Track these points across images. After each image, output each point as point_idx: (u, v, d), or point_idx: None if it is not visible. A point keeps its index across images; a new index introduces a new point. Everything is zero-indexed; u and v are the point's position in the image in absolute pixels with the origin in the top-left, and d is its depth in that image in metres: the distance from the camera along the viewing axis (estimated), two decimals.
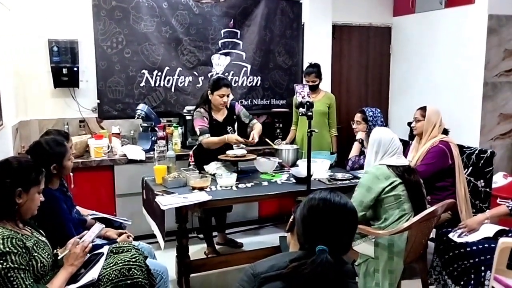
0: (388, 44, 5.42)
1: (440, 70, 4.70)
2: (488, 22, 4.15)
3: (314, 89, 4.20)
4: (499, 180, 4.01)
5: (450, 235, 2.83)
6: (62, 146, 2.45)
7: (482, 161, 3.44)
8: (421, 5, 4.91)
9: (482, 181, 3.44)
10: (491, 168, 3.47)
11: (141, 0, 4.22)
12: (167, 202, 2.79)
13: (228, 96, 3.51)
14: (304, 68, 4.45)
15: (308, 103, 2.58)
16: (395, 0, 5.32)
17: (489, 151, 3.49)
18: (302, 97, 2.63)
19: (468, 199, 3.22)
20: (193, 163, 3.61)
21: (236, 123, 3.72)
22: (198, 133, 3.47)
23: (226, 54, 4.64)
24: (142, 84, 4.34)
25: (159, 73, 4.38)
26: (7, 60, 3.59)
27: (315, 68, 4.23)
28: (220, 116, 3.61)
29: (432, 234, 2.94)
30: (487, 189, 3.51)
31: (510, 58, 4.31)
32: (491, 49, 4.21)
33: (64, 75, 4.00)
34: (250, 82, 4.77)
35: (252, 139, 3.43)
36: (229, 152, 3.43)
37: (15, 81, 3.83)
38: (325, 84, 4.76)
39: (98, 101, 4.21)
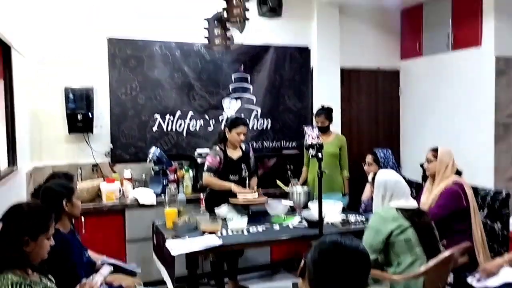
0: (397, 86, 5.48)
1: (450, 111, 4.71)
2: (495, 64, 4.19)
3: (324, 131, 4.23)
4: None
5: (469, 280, 2.73)
6: (69, 183, 2.51)
7: (497, 203, 3.37)
8: (428, 48, 4.99)
9: (499, 223, 3.35)
10: (507, 211, 3.39)
11: (155, 49, 4.37)
12: (177, 247, 2.76)
13: (244, 134, 3.63)
14: (315, 110, 4.50)
15: (318, 145, 2.59)
16: (402, 44, 5.42)
17: (504, 193, 3.42)
18: (312, 139, 2.64)
19: (485, 242, 3.13)
20: (204, 206, 3.61)
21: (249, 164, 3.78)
22: (205, 168, 3.59)
23: (236, 98, 4.72)
24: (155, 128, 4.41)
25: (171, 118, 4.47)
26: (24, 106, 3.69)
27: (325, 110, 4.29)
28: (235, 155, 3.68)
29: (450, 279, 2.84)
30: (505, 232, 3.41)
31: None
32: (500, 90, 4.23)
33: (79, 121, 4.08)
34: (260, 125, 4.82)
35: (254, 190, 3.51)
36: (240, 196, 3.42)
37: (31, 127, 3.93)
38: (335, 126, 4.79)
39: (111, 145, 4.28)
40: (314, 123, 4.41)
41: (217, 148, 3.67)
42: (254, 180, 3.79)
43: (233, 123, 3.66)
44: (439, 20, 4.78)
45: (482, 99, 4.31)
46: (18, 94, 3.38)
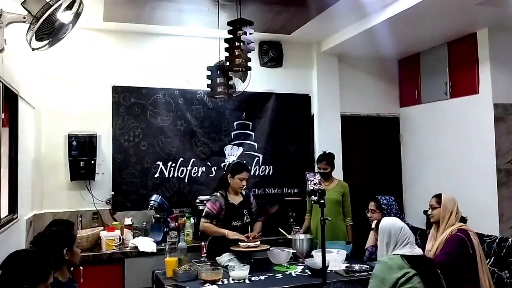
0: (397, 132, 5.53)
1: (451, 157, 4.72)
2: (494, 110, 4.24)
3: (326, 177, 4.23)
4: None
5: None
6: (70, 231, 2.48)
7: (504, 250, 3.30)
8: (426, 96, 5.08)
9: (506, 272, 3.27)
10: None
11: (158, 97, 4.46)
12: None
13: (247, 180, 3.62)
14: (316, 157, 4.52)
15: (320, 191, 2.58)
16: (401, 91, 5.52)
17: (510, 240, 3.37)
18: (314, 185, 2.63)
19: None
20: (205, 254, 3.55)
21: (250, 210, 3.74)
22: (202, 214, 3.56)
23: (238, 144, 4.76)
24: (156, 175, 4.42)
25: (173, 164, 4.48)
26: (27, 153, 3.72)
27: (327, 156, 4.31)
28: (236, 200, 3.65)
29: None
30: None
31: None
32: (500, 137, 4.25)
33: (81, 168, 4.09)
34: (262, 172, 4.82)
35: (253, 237, 3.41)
36: (241, 244, 3.37)
37: (33, 174, 3.93)
38: (337, 172, 4.79)
39: (113, 192, 4.27)
40: (316, 169, 4.42)
41: (218, 194, 3.64)
42: (258, 225, 3.72)
43: (236, 169, 3.66)
44: (436, 69, 4.89)
45: (482, 145, 4.34)
46: (22, 141, 3.41)
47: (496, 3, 3.65)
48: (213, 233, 3.52)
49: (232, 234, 3.40)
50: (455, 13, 3.87)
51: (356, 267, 3.23)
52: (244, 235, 3.40)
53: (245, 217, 3.63)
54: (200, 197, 4.38)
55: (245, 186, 3.63)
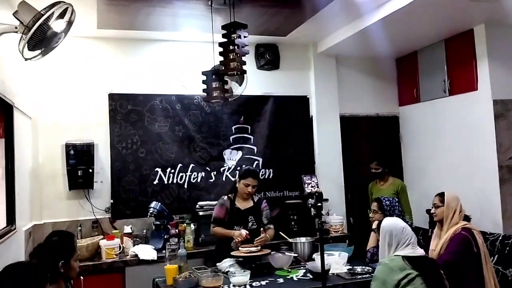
0: (397, 132, 5.49)
1: (452, 155, 4.68)
2: (494, 107, 4.21)
3: (379, 176, 4.46)
4: None
5: None
6: (69, 244, 2.43)
7: (507, 248, 3.26)
8: (425, 94, 5.05)
9: (511, 270, 3.23)
10: None
11: (155, 103, 4.45)
12: None
13: (253, 187, 3.58)
14: (316, 159, 4.50)
15: (317, 194, 2.55)
16: (400, 90, 5.50)
17: None
18: (312, 187, 2.60)
19: None
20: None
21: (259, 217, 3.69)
22: (212, 219, 3.58)
23: (237, 149, 4.74)
24: (156, 182, 4.39)
25: (172, 170, 4.46)
26: (24, 163, 3.70)
27: (377, 156, 4.47)
28: (243, 205, 3.62)
29: None
30: None
31: None
32: (501, 133, 4.22)
33: (80, 177, 4.07)
34: (262, 175, 4.78)
35: (260, 242, 3.36)
36: (242, 248, 3.33)
37: (32, 185, 3.91)
38: (337, 173, 4.78)
39: (112, 201, 4.24)
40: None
41: (225, 197, 3.65)
42: (270, 232, 3.62)
43: (243, 173, 3.66)
44: (434, 67, 4.86)
45: (483, 142, 4.30)
46: (19, 152, 3.40)
47: None
48: (222, 236, 3.51)
49: (237, 234, 3.38)
50: (450, 10, 3.85)
51: (358, 269, 3.20)
52: (254, 243, 3.35)
53: (250, 224, 3.58)
54: (200, 203, 4.36)
55: (250, 192, 3.59)
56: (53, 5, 2.50)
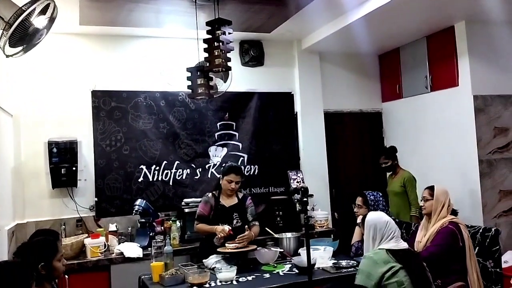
0: (380, 127, 5.56)
1: (434, 150, 4.77)
2: (474, 102, 4.30)
3: (389, 170, 4.55)
4: (510, 259, 3.86)
5: None
6: (51, 245, 2.36)
7: (488, 240, 3.34)
8: (407, 90, 5.12)
9: (491, 261, 3.31)
10: (498, 247, 3.36)
11: (139, 100, 4.42)
12: None
13: (237, 183, 3.56)
14: (301, 155, 4.52)
15: (303, 189, 2.57)
16: (383, 87, 5.56)
17: (493, 229, 3.40)
18: (297, 183, 2.62)
19: (481, 283, 3.08)
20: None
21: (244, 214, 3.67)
22: (196, 216, 3.56)
23: (222, 145, 4.74)
24: (140, 179, 4.37)
25: (157, 168, 4.44)
26: (7, 163, 3.65)
27: (385, 150, 4.53)
28: (227, 202, 3.60)
29: None
30: (497, 270, 3.36)
31: (501, 135, 4.40)
32: (480, 128, 4.31)
33: (63, 175, 4.02)
34: (247, 172, 4.80)
35: (242, 239, 3.33)
36: (228, 245, 3.34)
37: (14, 183, 3.85)
38: (321, 169, 4.81)
39: (96, 199, 4.21)
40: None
41: (210, 194, 3.62)
42: (255, 229, 3.59)
43: (226, 170, 3.62)
44: (416, 63, 4.94)
45: (464, 137, 4.39)
46: (1, 150, 3.34)
47: None
48: (205, 232, 3.50)
49: (220, 230, 3.36)
50: (432, 6, 3.91)
51: (343, 263, 3.24)
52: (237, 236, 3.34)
53: (235, 221, 3.56)
54: (185, 200, 4.35)
55: (234, 189, 3.57)
56: (34, 1, 2.46)
